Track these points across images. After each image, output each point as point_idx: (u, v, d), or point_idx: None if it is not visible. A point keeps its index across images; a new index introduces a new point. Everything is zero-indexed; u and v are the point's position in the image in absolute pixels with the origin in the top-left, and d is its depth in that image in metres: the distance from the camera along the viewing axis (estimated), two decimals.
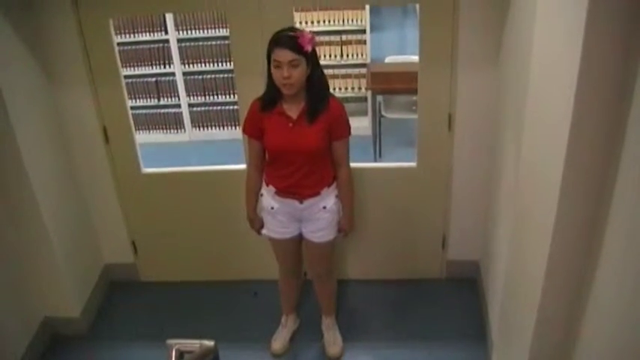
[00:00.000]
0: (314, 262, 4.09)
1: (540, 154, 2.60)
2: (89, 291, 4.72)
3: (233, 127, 7.12)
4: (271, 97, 3.57)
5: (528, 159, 2.86)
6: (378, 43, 7.46)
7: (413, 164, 4.41)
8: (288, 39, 3.37)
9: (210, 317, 4.56)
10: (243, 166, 4.42)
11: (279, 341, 4.38)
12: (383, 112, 6.58)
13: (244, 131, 3.79)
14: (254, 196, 3.88)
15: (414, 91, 4.35)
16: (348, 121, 3.67)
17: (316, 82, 3.51)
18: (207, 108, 7.27)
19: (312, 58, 3.46)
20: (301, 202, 3.74)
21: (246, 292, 4.81)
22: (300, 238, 3.96)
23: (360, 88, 7.13)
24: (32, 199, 4.05)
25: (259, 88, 4.13)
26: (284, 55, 3.36)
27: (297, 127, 3.55)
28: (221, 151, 5.79)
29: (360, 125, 7.09)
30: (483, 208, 4.35)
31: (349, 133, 3.68)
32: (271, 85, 3.52)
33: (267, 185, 3.78)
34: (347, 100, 7.24)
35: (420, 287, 4.77)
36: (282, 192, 3.74)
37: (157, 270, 4.96)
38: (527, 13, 3.01)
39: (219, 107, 7.20)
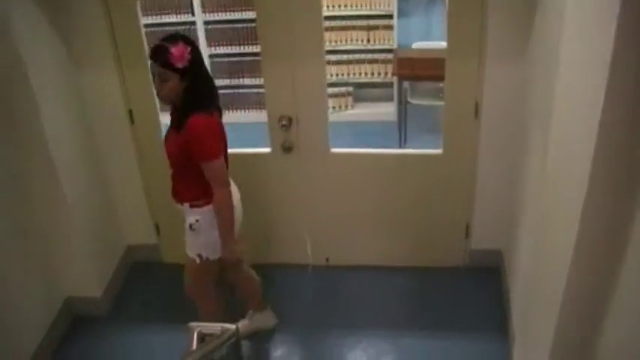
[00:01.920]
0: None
1: (569, 146, 2.57)
2: (111, 272, 4.75)
3: (258, 110, 7.11)
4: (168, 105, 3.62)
5: (556, 150, 2.83)
6: (405, 28, 7.39)
7: (439, 151, 4.38)
8: (158, 52, 3.31)
9: (231, 300, 4.55)
10: (267, 150, 4.43)
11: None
12: (409, 99, 6.55)
13: None
14: None
15: (441, 78, 4.32)
16: (205, 145, 3.44)
17: (187, 96, 3.40)
18: (232, 91, 7.25)
19: (190, 72, 3.34)
20: (177, 203, 3.75)
21: (265, 277, 4.81)
22: None
23: (386, 74, 7.09)
24: (56, 179, 4.08)
25: (285, 72, 4.14)
26: (154, 67, 3.36)
27: (170, 133, 3.58)
28: (245, 134, 5.77)
29: (385, 111, 7.09)
30: (508, 197, 4.31)
31: (206, 158, 3.45)
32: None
33: None
34: (373, 85, 7.22)
35: (442, 275, 4.75)
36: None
37: (180, 252, 4.94)
38: (556, 3, 2.97)
39: (244, 90, 7.18)
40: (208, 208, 3.58)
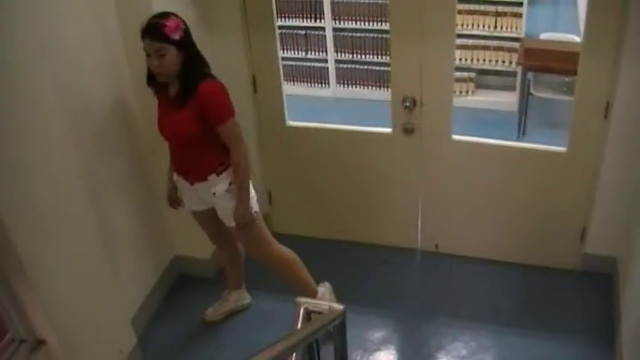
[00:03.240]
0: (240, 243, 4.14)
1: None
2: None
3: (378, 88, 7.05)
4: (151, 82, 3.57)
5: None
6: (533, 18, 7.21)
7: (562, 149, 4.24)
8: (154, 28, 3.33)
9: (337, 278, 4.55)
10: (388, 130, 4.40)
11: (210, 309, 4.45)
12: (532, 90, 6.38)
13: None
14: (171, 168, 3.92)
15: (568, 72, 4.19)
16: (223, 105, 3.52)
17: (188, 67, 3.43)
18: (353, 66, 7.20)
19: (185, 43, 3.39)
20: (192, 184, 3.74)
21: (375, 257, 4.80)
22: (210, 214, 3.90)
23: (510, 63, 6.92)
24: None
25: (413, 53, 4.08)
26: (151, 45, 3.34)
27: (172, 111, 3.53)
28: (364, 111, 5.76)
29: (505, 100, 6.94)
30: (630, 204, 4.15)
31: (226, 117, 3.51)
32: (149, 71, 3.51)
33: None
34: (496, 73, 7.08)
35: (552, 276, 4.62)
36: (177, 171, 3.81)
37: (290, 223, 4.99)
38: None
39: (365, 66, 7.13)
40: (225, 174, 3.68)
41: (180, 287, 4.68)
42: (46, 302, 3.15)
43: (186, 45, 3.41)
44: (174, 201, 3.98)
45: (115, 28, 3.82)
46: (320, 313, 2.88)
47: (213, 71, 4.27)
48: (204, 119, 3.47)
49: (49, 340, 3.23)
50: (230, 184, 3.66)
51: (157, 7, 3.64)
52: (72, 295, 3.40)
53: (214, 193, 3.69)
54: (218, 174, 3.65)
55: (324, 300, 4.14)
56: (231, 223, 3.76)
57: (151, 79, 3.54)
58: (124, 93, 3.98)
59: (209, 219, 3.96)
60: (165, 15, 3.37)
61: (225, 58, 4.36)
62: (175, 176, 3.84)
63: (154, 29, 3.33)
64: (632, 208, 4.11)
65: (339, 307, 2.88)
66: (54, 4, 3.32)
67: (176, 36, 3.33)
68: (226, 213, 3.75)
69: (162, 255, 4.60)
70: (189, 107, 3.45)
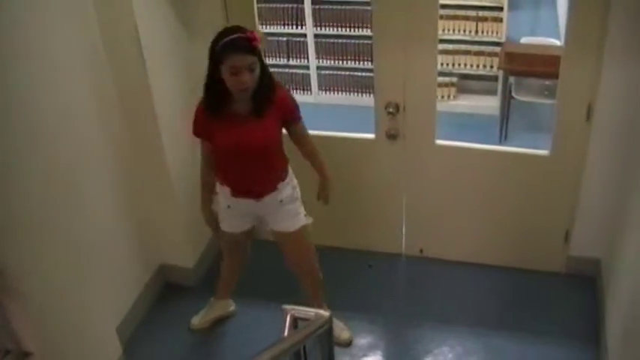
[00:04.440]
0: (291, 254, 4.02)
1: None
2: (205, 243, 4.81)
3: (360, 94, 7.07)
4: (219, 103, 3.46)
5: None
6: (513, 22, 7.24)
7: (545, 152, 4.26)
8: (243, 42, 3.25)
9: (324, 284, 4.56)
10: (371, 136, 4.40)
11: (196, 317, 4.42)
12: (514, 94, 6.41)
13: (194, 133, 3.68)
14: (207, 191, 3.85)
15: (549, 76, 4.21)
16: (296, 104, 3.65)
17: (264, 77, 3.40)
18: (335, 72, 7.22)
19: (260, 54, 3.35)
20: (258, 200, 3.71)
21: (360, 263, 4.80)
22: (250, 230, 3.99)
23: (491, 67, 6.95)
24: (160, 148, 4.17)
25: (396, 58, 4.09)
26: (244, 60, 3.26)
27: (249, 124, 3.47)
28: (346, 117, 5.75)
29: (487, 105, 6.98)
30: (613, 206, 4.17)
31: (300, 114, 3.67)
32: (217, 90, 3.40)
33: (222, 186, 3.74)
34: (478, 77, 7.11)
35: (536, 279, 4.63)
36: (237, 192, 3.70)
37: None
38: None
39: (347, 72, 7.15)
40: (288, 179, 3.76)
41: (165, 296, 4.66)
42: (31, 313, 3.14)
43: (261, 58, 3.37)
44: (216, 224, 3.96)
45: (97, 40, 3.81)
46: (307, 319, 2.88)
47: (196, 78, 4.28)
48: (281, 125, 3.57)
49: (34, 351, 3.21)
50: (293, 187, 3.78)
51: (140, 18, 3.65)
52: (57, 305, 3.38)
53: (281, 201, 3.73)
54: (283, 180, 3.71)
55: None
56: (293, 227, 3.83)
57: (215, 99, 3.45)
58: (109, 104, 3.96)
59: (247, 236, 4.04)
60: (241, 28, 3.32)
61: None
62: (229, 201, 3.76)
63: (246, 43, 3.25)
64: (616, 209, 4.12)
65: (326, 313, 2.88)
66: (33, 16, 3.30)
67: (260, 46, 3.30)
68: (289, 217, 3.81)
69: (147, 264, 4.57)
70: (269, 116, 3.47)
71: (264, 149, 3.56)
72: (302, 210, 3.85)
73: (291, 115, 3.61)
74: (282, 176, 3.71)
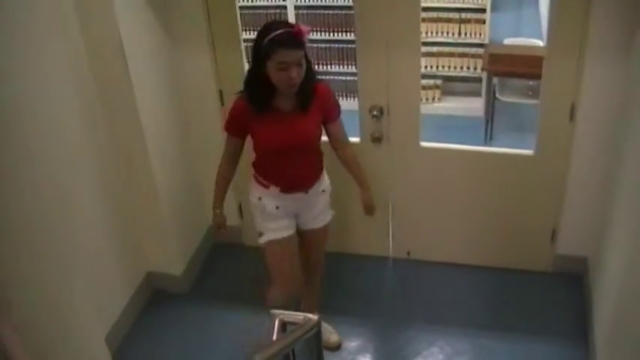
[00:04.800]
0: (312, 250, 3.94)
1: None
2: (192, 251, 4.81)
3: (345, 98, 7.07)
4: (265, 99, 3.37)
5: None
6: (496, 23, 7.27)
7: (530, 152, 4.28)
8: (293, 37, 3.17)
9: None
10: (356, 139, 4.40)
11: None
12: (498, 95, 6.43)
13: (226, 129, 3.60)
14: (224, 187, 3.77)
15: (533, 76, 4.24)
16: (337, 100, 3.64)
17: (308, 71, 3.33)
18: (319, 77, 7.17)
19: (306, 48, 3.28)
20: (307, 192, 3.64)
21: (347, 267, 4.80)
22: (295, 236, 3.81)
23: (475, 69, 6.98)
24: (145, 155, 4.16)
25: (379, 62, 4.09)
26: (293, 55, 3.18)
27: (294, 120, 3.42)
28: None
29: (471, 106, 7.00)
30: (599, 204, 4.19)
31: (340, 111, 3.63)
32: (261, 86, 3.31)
33: (267, 187, 3.61)
34: (462, 79, 7.13)
35: (524, 278, 4.65)
36: (287, 188, 3.60)
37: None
38: None
39: (331, 77, 7.13)
40: (324, 169, 3.74)
41: (154, 304, 4.64)
42: (17, 322, 3.12)
43: (305, 52, 3.30)
44: (223, 223, 3.88)
45: (81, 49, 3.80)
46: (295, 323, 2.88)
47: (179, 84, 4.29)
48: (323, 119, 3.53)
49: None
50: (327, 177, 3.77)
51: (123, 27, 3.66)
52: (44, 315, 3.36)
53: (323, 190, 3.74)
54: (323, 169, 3.73)
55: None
56: (326, 220, 3.83)
57: (261, 95, 3.37)
58: (94, 112, 3.96)
59: (295, 245, 3.82)
60: (287, 22, 3.29)
61: (191, 72, 4.38)
62: (278, 201, 3.62)
63: (294, 38, 3.18)
64: (602, 207, 4.14)
65: (314, 317, 2.87)
66: (15, 28, 3.29)
67: (306, 42, 3.24)
68: (325, 209, 3.81)
69: (135, 272, 4.56)
70: (313, 111, 3.44)
71: (310, 144, 3.55)
72: (329, 207, 3.85)
73: (331, 111, 3.56)
74: (322, 167, 3.71)
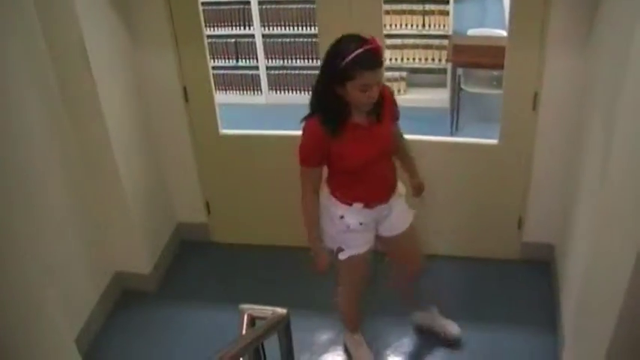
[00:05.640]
0: (411, 254, 3.84)
1: (638, 145, 2.49)
2: (161, 248, 4.79)
3: (309, 92, 7.07)
4: (343, 120, 3.18)
5: (621, 148, 2.75)
6: (459, 14, 7.30)
7: (494, 141, 4.31)
8: (374, 56, 2.99)
9: (280, 282, 4.58)
10: None
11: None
12: (462, 86, 6.46)
13: (306, 164, 3.34)
14: (317, 221, 3.53)
15: (496, 66, 4.26)
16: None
17: None
18: (285, 71, 7.23)
19: None
20: (387, 202, 3.50)
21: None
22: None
23: (440, 60, 7.01)
24: (110, 155, 4.13)
25: None
26: (376, 76, 3.03)
27: (372, 131, 3.27)
28: (297, 116, 5.75)
29: (437, 98, 7.03)
30: (563, 191, 4.24)
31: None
32: (340, 108, 3.15)
33: (351, 205, 3.42)
34: (427, 71, 7.16)
35: (492, 267, 4.69)
36: (371, 203, 3.45)
37: (230, 231, 4.99)
38: None
39: (297, 71, 7.16)
40: None
41: (123, 304, 4.62)
42: None
43: None
44: (326, 261, 3.61)
45: (43, 50, 3.77)
46: (264, 318, 2.88)
47: (142, 83, 4.27)
48: (392, 122, 3.43)
49: None
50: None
51: (84, 27, 3.64)
52: (9, 319, 3.33)
53: (400, 194, 3.61)
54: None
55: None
56: (409, 221, 3.67)
57: (337, 117, 3.18)
58: (57, 112, 3.93)
59: (370, 254, 3.71)
60: (362, 37, 3.02)
61: (154, 70, 4.36)
62: (361, 217, 3.46)
63: (377, 57, 3.02)
64: (566, 195, 4.19)
65: (283, 311, 2.88)
66: None
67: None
68: (405, 210, 3.67)
69: (102, 272, 4.53)
70: (385, 117, 3.31)
71: (393, 148, 3.46)
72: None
73: (396, 112, 3.44)
74: (396, 172, 3.58)
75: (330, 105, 3.16)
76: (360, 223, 3.47)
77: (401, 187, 3.62)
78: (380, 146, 3.33)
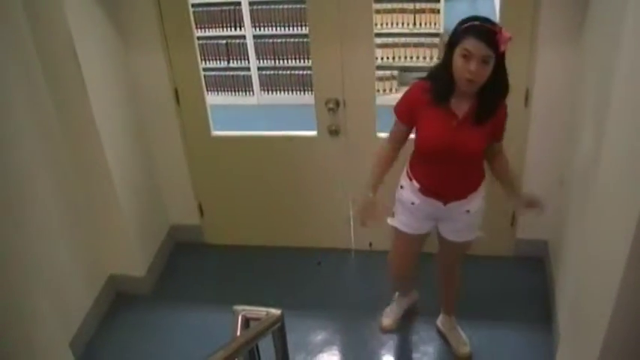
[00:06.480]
0: (447, 257, 3.92)
1: (629, 138, 2.49)
2: (154, 251, 4.78)
3: (302, 93, 7.07)
4: (445, 90, 3.21)
5: (614, 142, 2.75)
6: (450, 12, 7.31)
7: None
8: (486, 31, 3.03)
9: (274, 283, 4.57)
10: (313, 133, 4.40)
11: (389, 317, 4.29)
12: None
13: (396, 111, 3.46)
14: (382, 175, 3.56)
15: None
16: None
17: (497, 85, 3.18)
18: (276, 72, 7.23)
19: (502, 60, 3.14)
20: (445, 204, 3.48)
21: (310, 261, 4.80)
22: (426, 235, 3.74)
23: (431, 58, 7.02)
24: (102, 157, 4.10)
25: (333, 55, 4.08)
26: (478, 47, 3.01)
27: (462, 127, 3.23)
28: (289, 116, 5.76)
29: None
30: (556, 187, 4.23)
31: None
32: (446, 76, 3.16)
33: (411, 180, 3.49)
34: (418, 69, 7.15)
35: (486, 264, 4.66)
36: (426, 190, 3.46)
37: (223, 233, 4.98)
38: None
39: (288, 71, 7.16)
40: (480, 189, 3.56)
41: (118, 307, 4.60)
42: None
43: (502, 62, 3.16)
44: (371, 215, 3.60)
45: (32, 52, 3.75)
46: (258, 319, 2.87)
47: (133, 85, 4.26)
48: (491, 137, 3.37)
49: None
50: (482, 198, 3.57)
51: (74, 28, 3.62)
52: (6, 321, 3.32)
53: (468, 211, 3.53)
54: (475, 190, 3.51)
55: None
56: (466, 238, 3.70)
57: (442, 85, 3.21)
58: (47, 116, 3.91)
59: (421, 241, 3.78)
60: (494, 23, 3.11)
61: (144, 72, 4.35)
62: (416, 198, 3.51)
63: (491, 34, 3.03)
64: (559, 190, 4.18)
65: (277, 311, 2.87)
66: None
67: (502, 49, 3.08)
68: (468, 229, 3.66)
69: (97, 275, 4.52)
70: (486, 127, 3.26)
71: (469, 158, 3.37)
72: (480, 223, 3.70)
73: (500, 135, 3.40)
74: (475, 187, 3.51)
75: (438, 69, 3.27)
76: (412, 203, 3.54)
77: (474, 206, 3.55)
78: (458, 145, 3.27)
